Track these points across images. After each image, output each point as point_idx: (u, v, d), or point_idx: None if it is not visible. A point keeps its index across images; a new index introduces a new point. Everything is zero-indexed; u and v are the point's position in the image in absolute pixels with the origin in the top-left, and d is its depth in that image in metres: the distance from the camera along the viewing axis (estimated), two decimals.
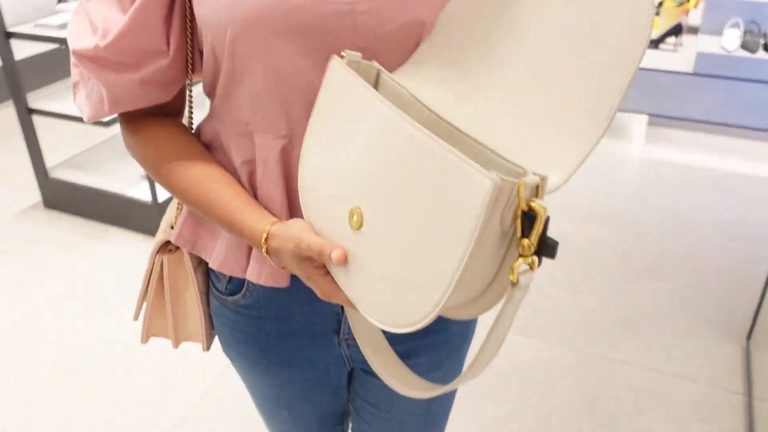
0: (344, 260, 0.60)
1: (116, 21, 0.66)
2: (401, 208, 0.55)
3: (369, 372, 0.89)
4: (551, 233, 0.52)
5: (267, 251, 0.67)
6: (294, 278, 0.75)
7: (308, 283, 0.66)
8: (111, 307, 2.23)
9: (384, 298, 0.58)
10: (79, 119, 2.52)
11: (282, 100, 0.68)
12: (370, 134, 0.58)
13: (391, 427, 0.97)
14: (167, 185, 0.74)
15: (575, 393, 1.89)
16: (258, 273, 0.74)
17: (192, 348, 1.98)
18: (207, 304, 0.87)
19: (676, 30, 3.50)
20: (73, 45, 0.69)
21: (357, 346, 0.81)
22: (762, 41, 3.18)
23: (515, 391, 1.90)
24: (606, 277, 2.38)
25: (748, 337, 2.05)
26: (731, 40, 3.18)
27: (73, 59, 0.70)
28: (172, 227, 0.82)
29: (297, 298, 0.79)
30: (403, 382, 0.71)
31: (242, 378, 0.94)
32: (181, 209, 0.82)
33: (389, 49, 0.66)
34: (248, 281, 0.79)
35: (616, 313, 2.20)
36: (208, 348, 0.92)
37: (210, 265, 0.79)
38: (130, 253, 2.51)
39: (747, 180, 3.03)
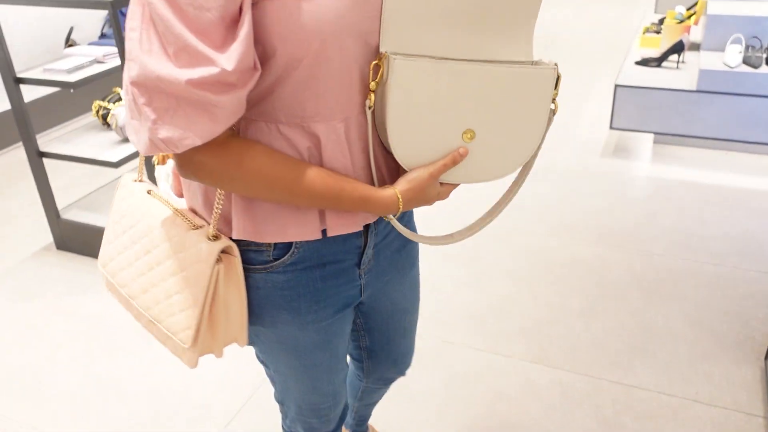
0: (467, 153, 0.92)
1: (222, 45, 0.75)
2: (499, 114, 0.90)
3: (375, 287, 1.13)
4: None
5: (401, 206, 0.92)
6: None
7: (433, 200, 0.96)
8: (124, 345, 2.23)
9: (481, 171, 0.95)
10: (89, 160, 2.55)
11: (343, 91, 0.86)
12: (455, 85, 0.86)
13: (397, 319, 1.25)
14: (284, 188, 0.86)
15: (593, 420, 1.87)
16: (339, 226, 0.94)
17: (210, 382, 1.98)
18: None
19: (678, 48, 3.51)
20: (187, 76, 0.74)
21: (370, 274, 1.07)
22: (764, 56, 3.18)
23: (533, 418, 1.88)
24: (619, 299, 2.36)
25: (767, 357, 2.03)
26: (733, 56, 3.19)
27: (171, 89, 0.76)
28: (216, 237, 0.93)
29: (329, 242, 0.97)
30: (428, 239, 1.06)
31: (285, 345, 1.06)
32: (220, 215, 0.93)
33: None
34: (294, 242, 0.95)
35: (631, 336, 2.18)
36: (247, 342, 1.03)
37: (281, 240, 0.93)
38: None
39: (756, 195, 3.02)
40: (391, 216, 0.96)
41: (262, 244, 0.95)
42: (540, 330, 2.23)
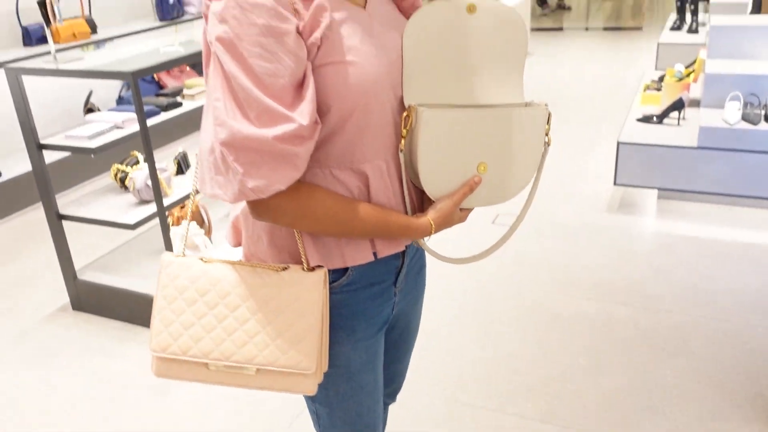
0: (480, 181, 1.09)
1: (293, 105, 0.92)
2: (505, 147, 1.09)
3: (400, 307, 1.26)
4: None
5: (433, 230, 1.09)
6: None
7: (455, 223, 1.12)
8: (143, 405, 2.26)
9: (492, 196, 1.13)
10: (107, 223, 2.63)
11: (384, 136, 1.05)
12: (468, 127, 1.06)
13: (409, 337, 1.38)
14: (344, 224, 1.03)
15: None
16: (388, 248, 1.11)
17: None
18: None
19: (679, 105, 3.60)
20: (272, 133, 0.90)
21: (401, 293, 1.22)
22: (762, 113, 3.26)
23: None
24: (626, 355, 2.38)
25: None
26: (732, 113, 3.27)
27: (256, 145, 0.91)
28: (312, 269, 1.07)
29: (375, 263, 1.12)
30: (454, 260, 1.23)
31: (338, 367, 1.16)
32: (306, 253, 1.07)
33: None
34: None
35: (641, 395, 2.19)
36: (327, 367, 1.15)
37: (344, 265, 1.08)
38: None
39: (762, 250, 3.05)
40: (422, 240, 1.14)
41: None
42: (548, 388, 2.25)
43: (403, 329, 1.36)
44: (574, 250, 3.14)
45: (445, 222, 1.11)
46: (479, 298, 2.79)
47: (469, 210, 1.15)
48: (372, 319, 1.16)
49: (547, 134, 1.12)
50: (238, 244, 1.21)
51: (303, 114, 0.92)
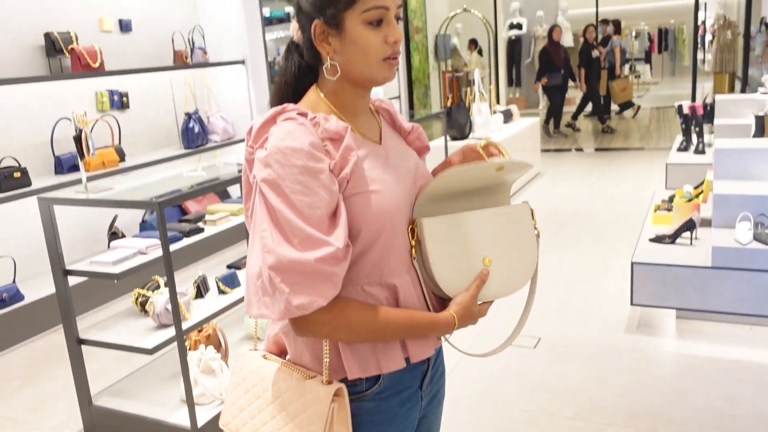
0: (488, 273, 1.22)
1: (329, 231, 1.07)
2: (502, 241, 1.23)
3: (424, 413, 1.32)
4: None
5: (457, 324, 1.19)
6: None
7: (477, 318, 1.22)
8: None
9: (504, 286, 1.24)
10: (126, 347, 2.65)
11: (405, 252, 1.19)
12: (466, 227, 1.21)
13: None
14: (378, 330, 1.13)
15: None
16: (419, 353, 1.20)
17: None
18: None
19: (690, 225, 3.65)
20: (314, 256, 1.04)
21: (426, 398, 1.29)
22: None
23: None
24: None
25: None
26: (743, 233, 3.31)
27: (301, 268, 1.05)
28: (329, 382, 1.15)
29: (405, 370, 1.20)
30: (474, 354, 1.34)
31: None
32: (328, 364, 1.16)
33: None
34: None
35: None
36: None
37: (379, 372, 1.17)
38: None
39: None
40: (445, 336, 1.24)
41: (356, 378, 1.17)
42: None
43: None
44: (594, 374, 3.09)
45: (467, 315, 1.20)
46: (498, 426, 2.73)
47: (489, 304, 1.25)
48: (402, 424, 1.24)
49: (535, 227, 1.28)
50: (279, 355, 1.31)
51: (338, 238, 1.06)
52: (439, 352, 1.35)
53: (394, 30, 1.16)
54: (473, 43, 12.02)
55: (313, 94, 1.21)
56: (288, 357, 1.27)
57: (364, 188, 1.13)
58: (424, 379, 1.28)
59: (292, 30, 1.23)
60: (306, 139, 1.09)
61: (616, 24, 12.16)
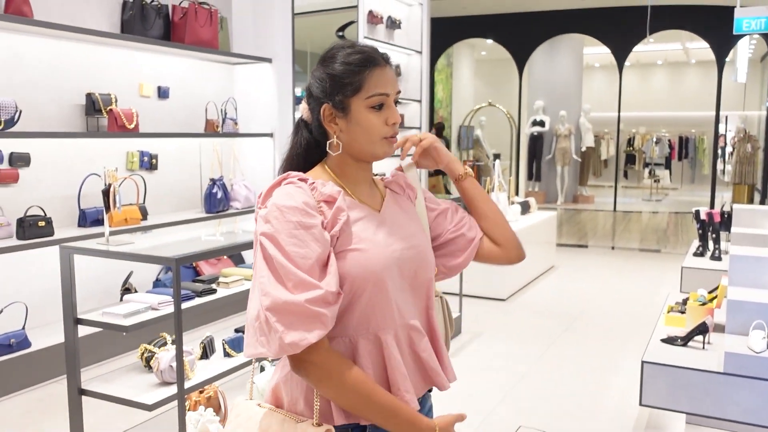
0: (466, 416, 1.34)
1: (320, 277, 1.20)
2: None
3: None
4: None
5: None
6: None
7: None
8: None
9: None
10: (125, 401, 2.64)
11: (391, 307, 1.28)
12: None
13: None
14: (363, 396, 1.22)
15: None
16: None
17: None
18: None
19: (703, 329, 3.61)
20: (305, 297, 1.16)
21: None
22: None
23: None
24: None
25: None
26: (757, 341, 3.26)
27: (295, 308, 1.17)
28: (319, 424, 1.24)
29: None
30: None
31: None
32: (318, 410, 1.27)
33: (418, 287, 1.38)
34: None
35: None
36: None
37: (360, 421, 1.27)
38: None
39: None
40: None
41: (348, 424, 1.28)
42: None
43: None
44: None
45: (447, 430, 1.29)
46: None
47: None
48: None
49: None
50: (279, 407, 1.39)
51: (328, 283, 1.19)
52: (429, 408, 1.44)
53: (394, 113, 1.34)
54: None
55: (319, 167, 1.39)
56: (285, 406, 1.35)
57: (351, 246, 1.27)
58: None
59: (302, 110, 1.41)
60: (302, 198, 1.25)
61: None
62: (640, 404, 3.42)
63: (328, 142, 1.35)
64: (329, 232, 1.25)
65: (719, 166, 9.81)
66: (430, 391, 1.44)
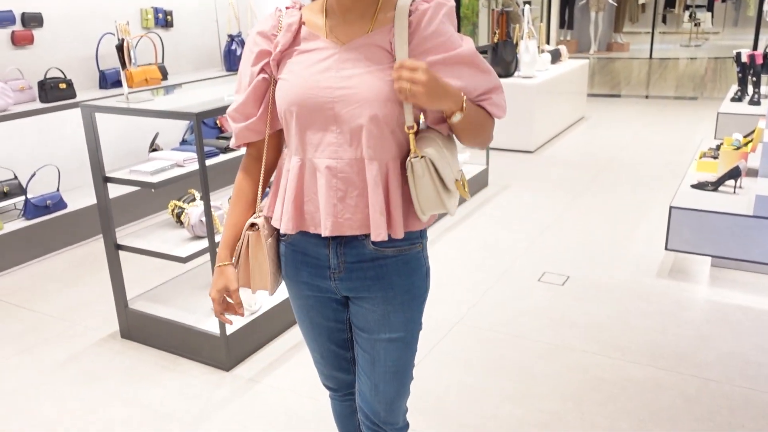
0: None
1: (239, 98, 1.41)
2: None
3: (354, 301, 1.44)
4: None
5: (214, 271, 1.47)
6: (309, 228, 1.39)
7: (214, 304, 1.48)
8: None
9: None
10: (160, 255, 2.74)
11: (303, 140, 1.34)
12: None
13: (372, 349, 1.46)
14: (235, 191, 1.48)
15: None
16: (287, 226, 1.38)
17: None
18: (275, 259, 1.45)
19: (735, 173, 3.54)
20: (229, 108, 1.44)
21: (341, 280, 1.40)
22: None
23: None
24: (671, 423, 2.30)
25: None
26: None
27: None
28: (259, 211, 1.46)
29: (310, 241, 1.40)
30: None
31: (291, 299, 1.53)
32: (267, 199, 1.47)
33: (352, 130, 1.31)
34: None
35: None
36: (272, 293, 1.48)
37: (273, 223, 1.43)
38: (198, 384, 2.61)
39: None
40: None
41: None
42: None
43: (362, 329, 1.45)
44: (620, 315, 3.08)
45: (216, 283, 1.47)
46: (520, 358, 2.75)
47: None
48: (302, 279, 1.45)
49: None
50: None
51: (239, 102, 1.42)
52: (373, 258, 1.37)
53: None
54: None
55: None
56: None
57: (281, 75, 1.36)
58: (330, 260, 1.38)
59: None
60: (262, 26, 1.40)
61: None
62: (666, 249, 3.45)
63: None
64: (270, 59, 1.37)
65: (765, 6, 9.16)
66: (368, 236, 1.35)
